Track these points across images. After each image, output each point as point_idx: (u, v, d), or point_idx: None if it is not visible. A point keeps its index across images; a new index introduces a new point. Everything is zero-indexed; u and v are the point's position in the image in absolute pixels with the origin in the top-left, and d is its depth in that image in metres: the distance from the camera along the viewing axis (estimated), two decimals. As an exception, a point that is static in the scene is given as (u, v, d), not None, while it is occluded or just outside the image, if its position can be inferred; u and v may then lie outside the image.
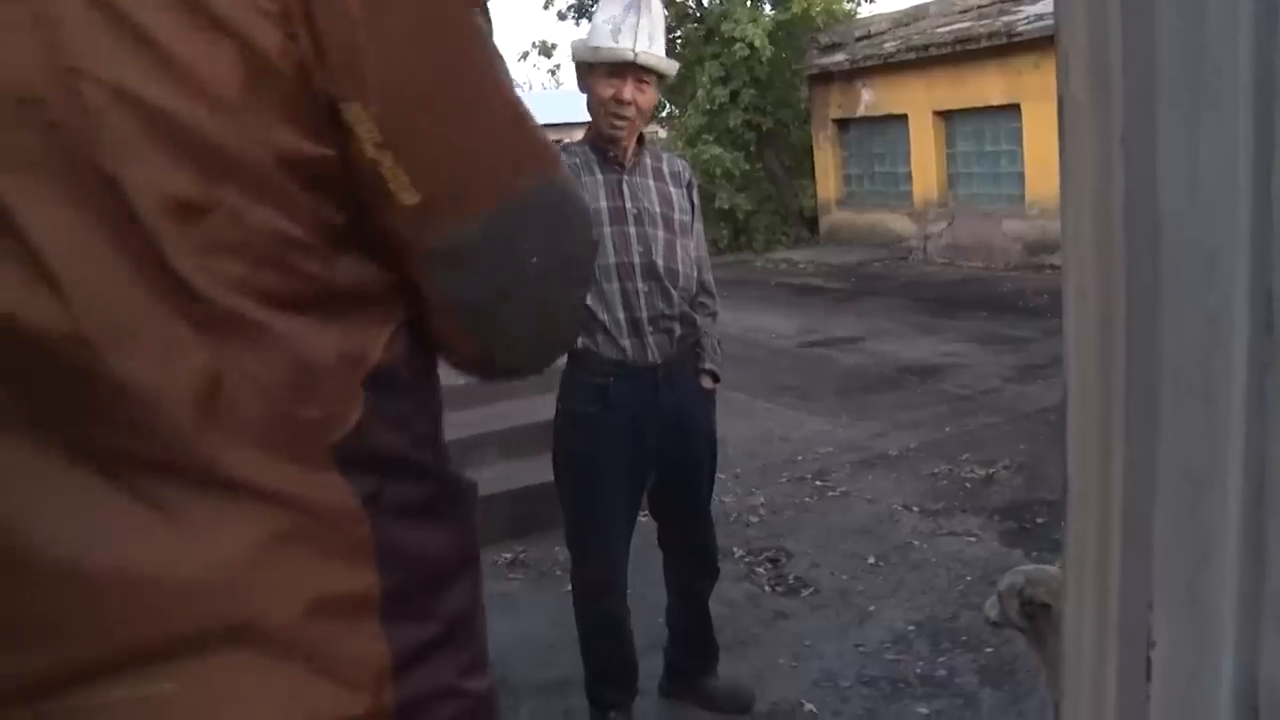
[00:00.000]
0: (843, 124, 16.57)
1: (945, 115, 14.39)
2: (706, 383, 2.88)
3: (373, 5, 0.69)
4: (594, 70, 2.62)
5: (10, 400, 0.68)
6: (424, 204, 0.74)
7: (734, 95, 16.90)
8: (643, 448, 2.74)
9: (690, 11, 17.78)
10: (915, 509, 4.74)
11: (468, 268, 0.79)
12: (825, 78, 16.45)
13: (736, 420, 6.18)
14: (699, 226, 2.88)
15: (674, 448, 2.80)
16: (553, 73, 21.99)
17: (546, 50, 20.42)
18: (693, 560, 3.10)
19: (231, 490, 0.70)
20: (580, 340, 2.60)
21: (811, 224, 17.47)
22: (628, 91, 2.57)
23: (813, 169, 17.27)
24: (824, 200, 17.05)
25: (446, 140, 0.74)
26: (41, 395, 0.67)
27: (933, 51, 13.99)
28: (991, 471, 5.12)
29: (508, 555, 4.36)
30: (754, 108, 17.14)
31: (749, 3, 17.33)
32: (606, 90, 2.59)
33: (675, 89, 17.97)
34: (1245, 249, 0.52)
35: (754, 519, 4.78)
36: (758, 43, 16.05)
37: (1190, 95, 0.52)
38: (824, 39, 16.62)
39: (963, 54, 13.31)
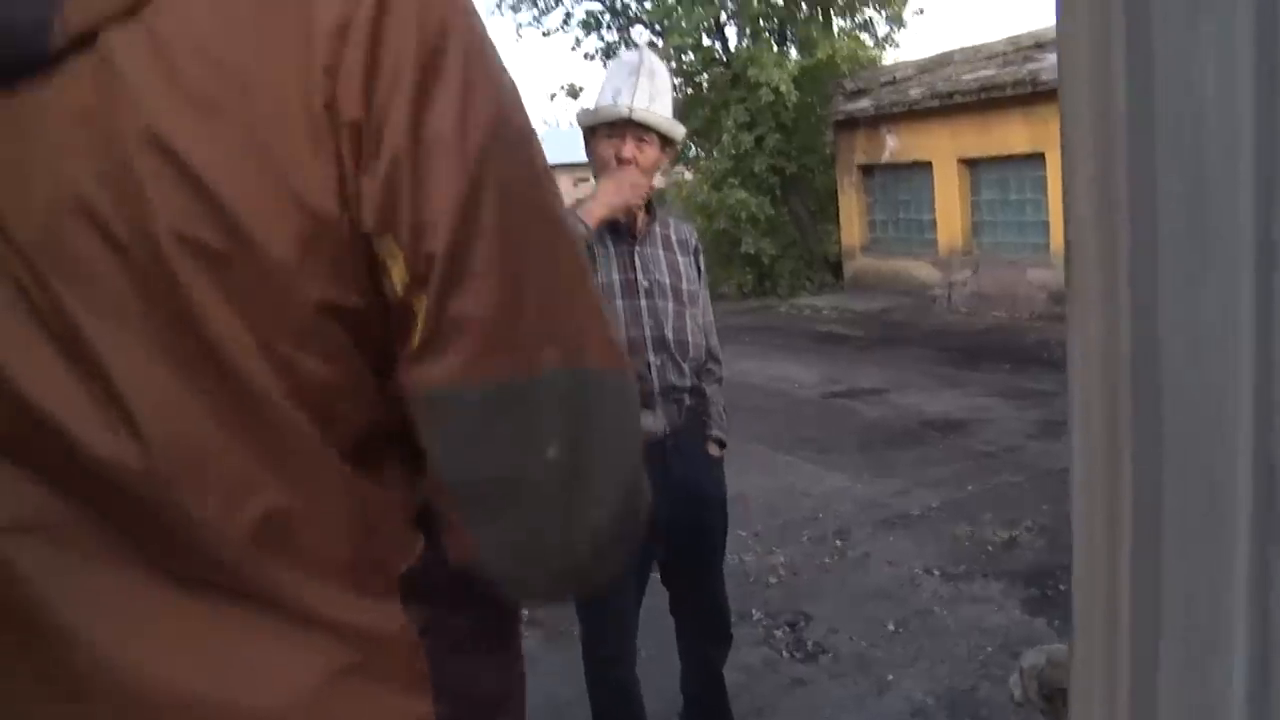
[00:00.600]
0: (867, 170, 16.61)
1: (970, 163, 14.40)
2: (714, 450, 2.87)
3: (415, 116, 0.67)
4: (596, 133, 2.63)
5: (88, 525, 0.70)
6: (424, 346, 0.71)
7: (759, 140, 16.97)
8: (653, 519, 2.71)
9: (717, 56, 17.90)
10: (936, 572, 4.69)
11: (462, 438, 0.73)
12: (850, 124, 16.51)
13: (757, 474, 6.16)
14: (705, 293, 2.88)
15: (684, 517, 2.77)
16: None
17: (574, 92, 20.52)
18: (705, 628, 3.08)
19: (301, 622, 0.73)
20: None
21: (836, 269, 17.47)
22: (627, 150, 2.56)
23: (837, 214, 17.30)
24: (848, 246, 17.05)
25: (476, 291, 0.70)
26: (118, 522, 0.70)
27: (957, 99, 14.01)
28: (1014, 534, 5.06)
29: (523, 613, 4.32)
30: (779, 152, 17.21)
31: (775, 48, 17.44)
32: (607, 150, 2.59)
33: (701, 133, 18.13)
34: (1248, 418, 0.51)
35: (773, 580, 4.74)
36: (783, 88, 16.13)
37: (1193, 257, 0.52)
38: (849, 85, 16.68)
39: (987, 102, 13.33)
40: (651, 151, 2.61)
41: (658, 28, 18.55)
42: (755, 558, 4.97)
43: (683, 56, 17.82)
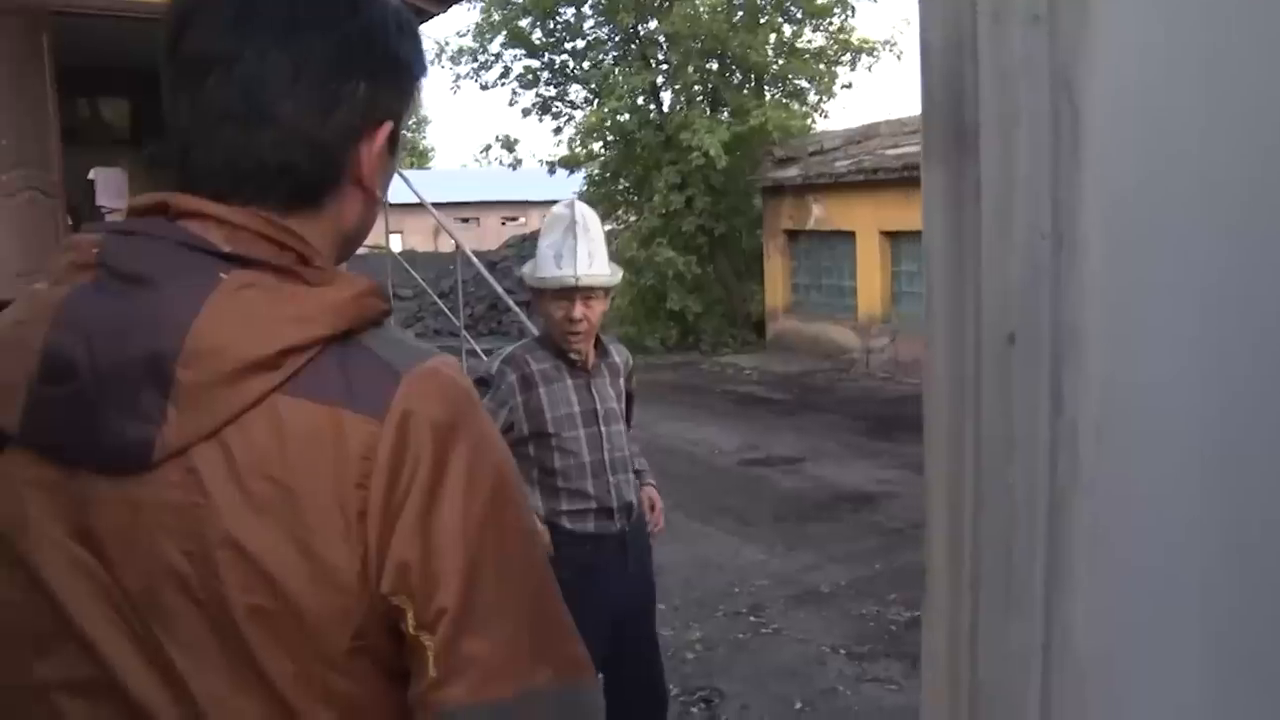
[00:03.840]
0: (793, 235, 17.14)
1: (891, 235, 14.96)
2: (652, 493, 3.24)
3: (425, 513, 0.89)
4: (544, 294, 2.96)
5: None
6: (440, 679, 0.90)
7: (689, 201, 17.45)
8: (612, 610, 2.99)
9: (651, 118, 18.36)
10: (842, 651, 5.01)
11: None
12: (778, 190, 17.06)
13: (675, 545, 6.43)
14: (634, 406, 3.26)
15: (636, 596, 3.11)
16: (513, 166, 22.36)
17: (509, 145, 20.99)
18: (649, 695, 3.29)
19: None
20: (551, 518, 2.92)
21: (759, 328, 17.94)
22: (577, 310, 2.90)
23: (762, 276, 17.79)
24: (771, 307, 17.54)
25: (477, 632, 0.90)
26: None
27: (881, 175, 14.59)
28: (917, 614, 5.40)
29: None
30: (708, 214, 17.72)
31: (708, 113, 17.95)
32: (558, 312, 2.93)
33: (633, 189, 18.54)
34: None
35: (690, 655, 5.02)
36: (713, 152, 16.60)
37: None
38: (778, 152, 17.23)
39: (909, 180, 13.89)
40: (598, 305, 2.96)
41: (594, 87, 18.99)
42: (673, 632, 5.24)
43: (617, 116, 18.26)
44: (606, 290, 2.99)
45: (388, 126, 1.00)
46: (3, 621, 0.95)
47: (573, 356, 2.97)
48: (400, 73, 1.02)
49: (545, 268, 2.93)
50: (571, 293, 2.89)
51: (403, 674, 0.93)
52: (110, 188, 8.50)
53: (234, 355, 0.87)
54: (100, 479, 0.89)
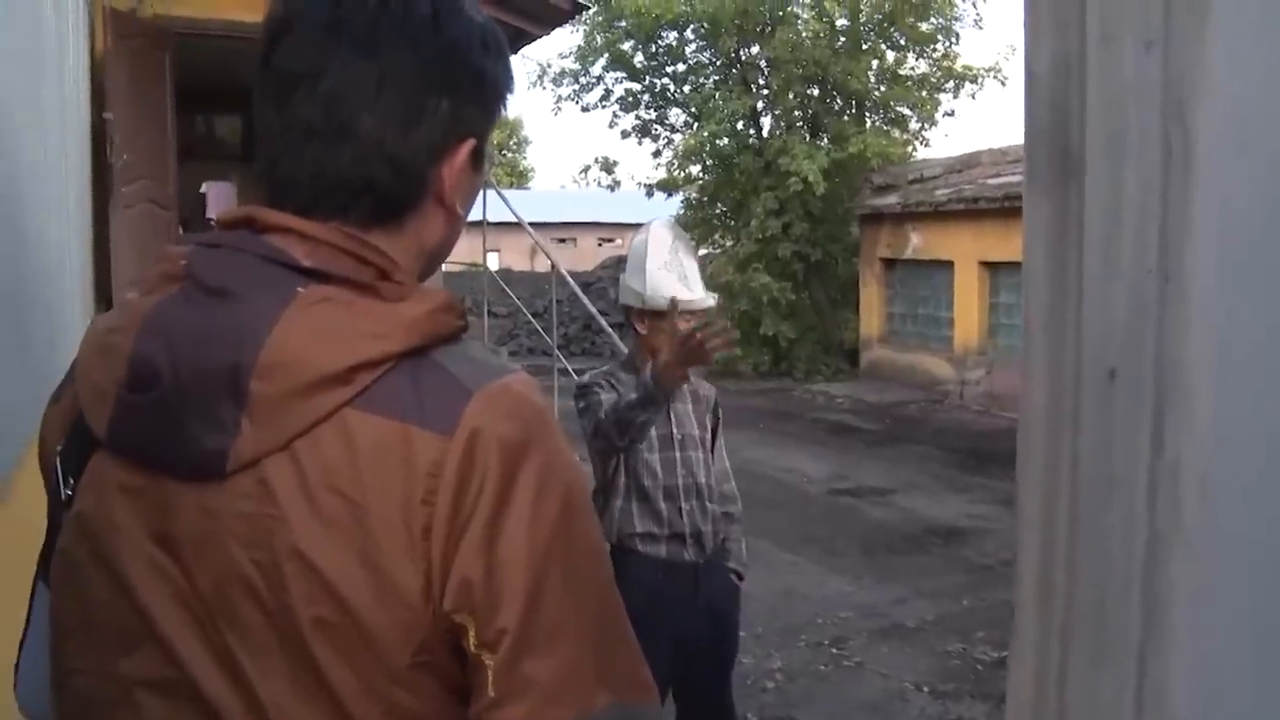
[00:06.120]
0: (890, 263, 16.96)
1: (990, 266, 14.71)
2: (734, 579, 3.17)
3: (490, 531, 0.88)
4: (644, 313, 3.01)
5: None
6: (499, 699, 0.89)
7: (786, 227, 17.37)
8: (680, 639, 2.98)
9: (750, 144, 18.35)
10: (925, 689, 4.91)
11: None
12: (876, 218, 16.90)
13: (762, 572, 6.36)
14: (721, 444, 3.22)
15: (707, 632, 3.06)
16: (611, 188, 22.53)
17: (608, 167, 21.21)
18: None
19: None
20: (626, 543, 2.91)
21: (852, 357, 17.76)
22: (682, 327, 2.89)
23: (857, 304, 17.63)
24: (866, 336, 17.35)
25: (538, 654, 0.90)
26: None
27: (982, 204, 14.37)
28: (1004, 655, 5.26)
29: None
30: (804, 240, 17.60)
31: (807, 139, 17.88)
32: (657, 334, 2.98)
33: (731, 214, 18.53)
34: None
35: (770, 684, 4.97)
36: (811, 178, 16.53)
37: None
38: (877, 179, 17.09)
39: (1010, 209, 13.65)
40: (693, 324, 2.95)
41: (694, 111, 19.05)
42: (754, 660, 5.19)
43: (716, 141, 18.29)
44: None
45: (470, 144, 1.01)
46: (93, 618, 0.97)
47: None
48: (484, 90, 1.02)
49: (660, 288, 2.97)
50: (683, 315, 2.93)
51: (465, 691, 0.93)
52: (221, 201, 8.80)
53: (306, 369, 0.88)
54: (180, 486, 0.91)
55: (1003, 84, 19.82)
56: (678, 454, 2.97)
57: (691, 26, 18.96)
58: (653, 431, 2.93)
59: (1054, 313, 0.76)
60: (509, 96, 1.06)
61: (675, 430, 2.98)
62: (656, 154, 20.22)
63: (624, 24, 18.97)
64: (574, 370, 7.15)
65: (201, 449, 0.89)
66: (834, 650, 5.41)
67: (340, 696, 0.89)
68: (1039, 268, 0.77)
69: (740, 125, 18.47)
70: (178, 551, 0.91)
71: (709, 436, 3.12)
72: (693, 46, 19.46)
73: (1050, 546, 0.81)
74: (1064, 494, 0.78)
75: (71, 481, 0.99)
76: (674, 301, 2.94)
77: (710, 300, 3.01)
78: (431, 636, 0.90)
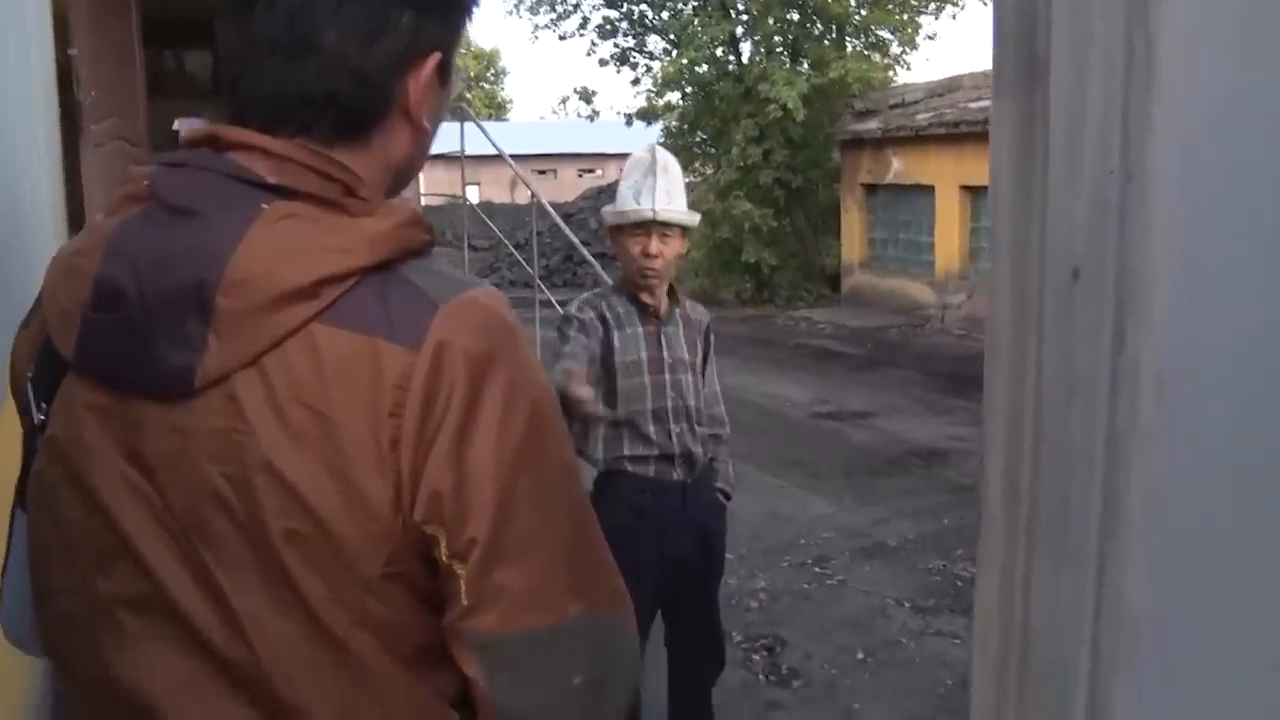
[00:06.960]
0: (871, 189, 16.90)
1: (971, 190, 14.68)
2: (721, 499, 3.21)
3: (458, 443, 0.89)
4: (622, 230, 3.01)
5: (208, 679, 0.96)
6: (472, 607, 0.92)
7: (767, 154, 17.28)
8: (668, 557, 3.03)
9: (729, 70, 18.16)
10: (907, 604, 4.99)
11: (506, 674, 0.93)
12: (857, 143, 16.81)
13: (746, 495, 6.41)
14: (712, 368, 3.23)
15: (694, 550, 3.11)
16: (590, 118, 22.33)
17: (587, 96, 21.10)
18: (704, 650, 3.33)
19: None
20: (614, 464, 2.95)
21: (834, 283, 17.78)
22: (653, 246, 2.94)
23: (839, 230, 17.60)
24: (847, 262, 17.36)
25: (509, 563, 0.92)
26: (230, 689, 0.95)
27: (963, 128, 14.30)
28: (983, 571, 5.36)
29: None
30: (785, 167, 17.52)
31: (787, 64, 17.70)
32: (634, 248, 2.97)
33: (711, 142, 18.39)
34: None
35: (754, 604, 5.04)
36: (791, 105, 16.41)
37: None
38: (858, 105, 16.97)
39: (992, 133, 13.58)
40: (674, 244, 3.00)
41: (673, 38, 18.81)
42: (738, 580, 5.26)
43: (695, 68, 18.10)
44: (683, 231, 3.03)
45: (435, 57, 1.00)
46: (70, 538, 0.98)
47: (645, 300, 3.00)
48: (448, 3, 1.02)
49: (624, 203, 2.99)
50: (648, 228, 2.94)
51: (438, 600, 0.94)
52: (194, 137, 8.63)
53: (272, 284, 0.88)
54: (149, 405, 0.92)
55: (984, 3, 19.62)
56: (668, 377, 2.99)
57: (669, -50, 18.69)
58: (643, 354, 2.96)
59: (1020, 215, 0.77)
60: (473, 10, 1.05)
61: (665, 354, 3.00)
62: (635, 82, 20.12)
63: (600, -52, 18.69)
64: (556, 301, 7.15)
65: (169, 367, 0.89)
66: (817, 569, 5.49)
67: (313, 607, 0.91)
68: (1004, 171, 0.78)
69: (720, 51, 18.27)
70: (150, 469, 0.92)
71: (700, 360, 3.13)
72: (670, -29, 19.20)
73: (1016, 450, 0.82)
74: (1029, 399, 0.79)
75: (44, 406, 0.99)
76: (621, 215, 2.97)
77: (680, 214, 2.98)
78: (402, 547, 0.91)
